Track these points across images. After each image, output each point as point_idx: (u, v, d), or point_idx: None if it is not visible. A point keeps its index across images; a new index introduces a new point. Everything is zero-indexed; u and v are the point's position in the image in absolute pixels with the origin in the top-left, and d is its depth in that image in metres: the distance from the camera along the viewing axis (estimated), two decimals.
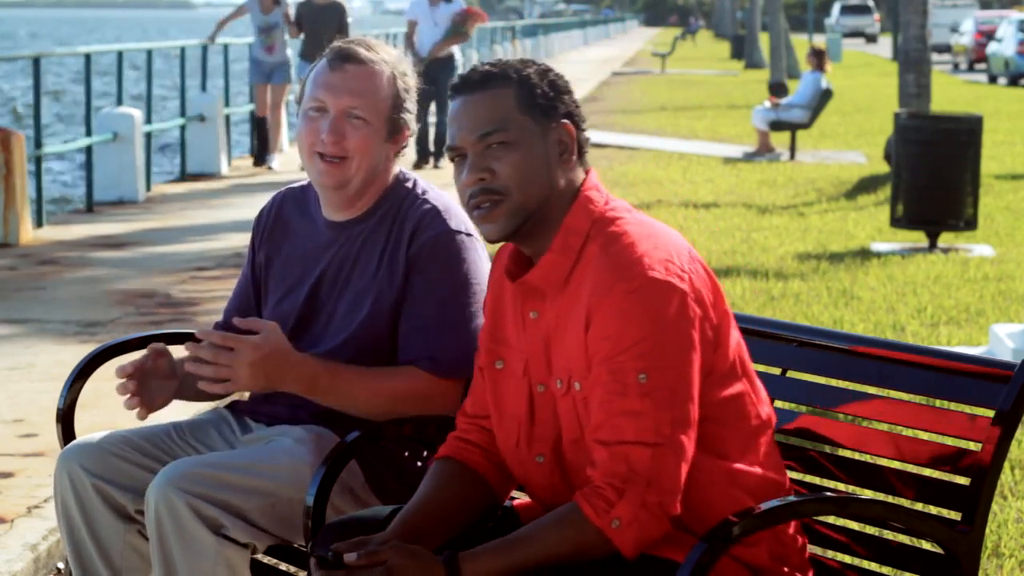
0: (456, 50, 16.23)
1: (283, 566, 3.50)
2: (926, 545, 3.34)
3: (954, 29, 53.78)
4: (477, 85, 2.90)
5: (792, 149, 18.98)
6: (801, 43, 48.00)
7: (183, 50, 17.82)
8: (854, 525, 3.39)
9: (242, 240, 10.99)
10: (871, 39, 76.37)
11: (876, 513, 2.98)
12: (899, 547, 3.10)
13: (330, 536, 2.99)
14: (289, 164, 16.99)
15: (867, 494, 3.21)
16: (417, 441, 3.52)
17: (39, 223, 12.54)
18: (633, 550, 2.75)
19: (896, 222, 11.88)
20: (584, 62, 49.27)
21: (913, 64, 15.02)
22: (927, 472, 3.16)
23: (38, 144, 12.95)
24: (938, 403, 3.25)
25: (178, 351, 3.63)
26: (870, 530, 3.41)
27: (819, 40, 49.98)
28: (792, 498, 2.87)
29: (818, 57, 18.92)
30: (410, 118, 3.56)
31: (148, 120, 15.69)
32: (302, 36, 16.12)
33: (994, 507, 5.36)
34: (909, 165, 11.71)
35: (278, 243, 3.67)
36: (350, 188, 3.52)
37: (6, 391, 6.96)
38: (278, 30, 16.31)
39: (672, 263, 2.81)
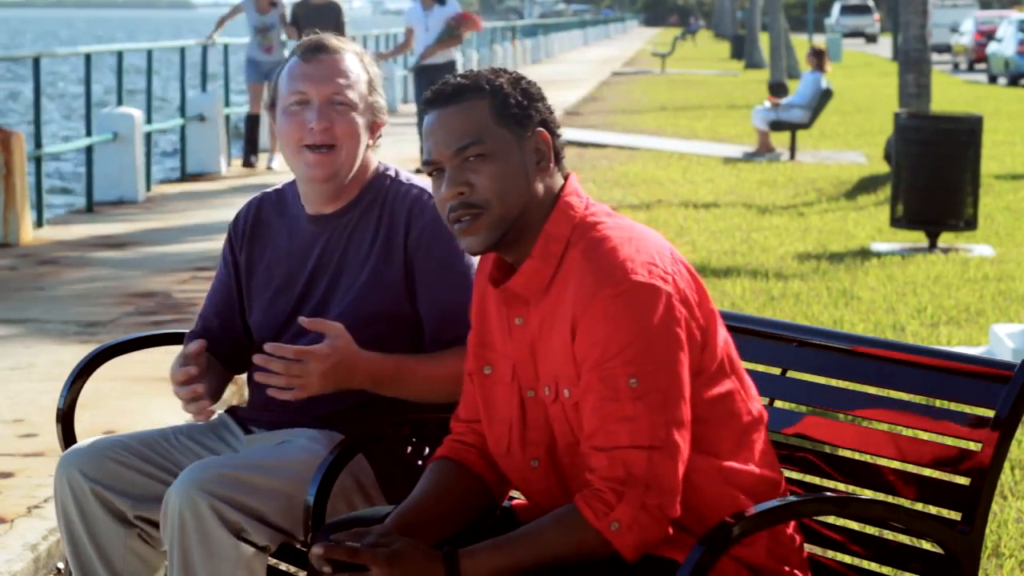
0: (457, 55, 16.16)
1: (283, 566, 3.49)
2: (926, 545, 3.34)
3: (954, 29, 53.78)
4: (451, 98, 2.89)
5: (792, 149, 18.99)
6: (801, 43, 48.01)
7: (183, 50, 17.82)
8: (854, 525, 3.39)
9: None
10: (871, 39, 76.36)
11: (876, 513, 2.98)
12: (899, 547, 3.10)
13: (330, 534, 2.99)
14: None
15: (867, 494, 3.21)
16: (418, 440, 3.52)
17: (39, 223, 12.55)
18: (633, 553, 2.75)
19: (896, 222, 11.88)
20: (584, 62, 49.28)
21: (913, 64, 15.02)
22: (927, 472, 3.16)
23: (38, 144, 12.95)
24: (938, 403, 3.25)
25: (175, 351, 3.64)
26: (870, 530, 3.41)
27: (819, 40, 50.00)
28: (792, 498, 2.87)
29: (818, 57, 18.93)
30: (384, 105, 3.59)
31: (148, 120, 15.69)
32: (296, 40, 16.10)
33: (994, 507, 5.36)
34: (909, 165, 11.71)
35: (260, 247, 3.67)
36: (339, 178, 3.52)
37: (6, 391, 6.96)
38: (275, 31, 16.26)
39: (655, 265, 2.81)
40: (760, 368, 3.30)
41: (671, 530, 2.78)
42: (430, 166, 2.91)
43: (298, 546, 3.40)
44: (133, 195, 14.39)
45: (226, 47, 18.65)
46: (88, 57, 14.63)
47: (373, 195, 3.57)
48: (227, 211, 13.24)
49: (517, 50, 43.20)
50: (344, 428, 3.46)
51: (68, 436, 3.78)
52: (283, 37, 16.39)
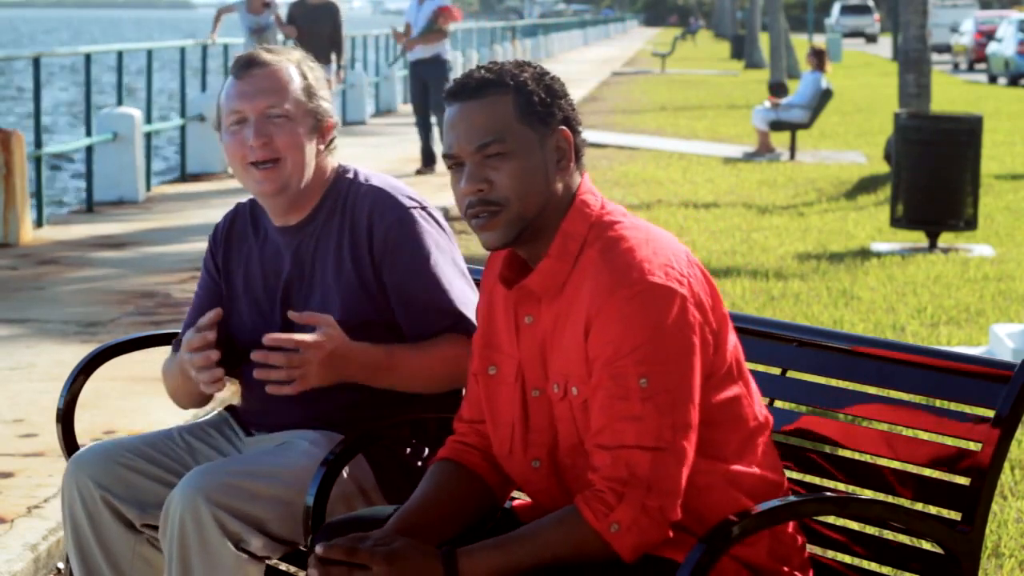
0: (444, 51, 16.13)
1: (283, 566, 3.49)
2: (926, 545, 3.34)
3: (954, 29, 53.79)
4: (474, 92, 2.87)
5: (792, 149, 18.99)
6: (801, 43, 48.01)
7: (183, 50, 17.82)
8: (854, 525, 3.39)
9: None
10: (871, 39, 76.36)
11: (876, 513, 2.98)
12: (899, 547, 3.10)
13: (328, 535, 2.99)
14: None
15: (867, 494, 3.21)
16: (417, 442, 3.52)
17: (39, 223, 12.55)
18: (632, 554, 2.75)
19: (896, 222, 11.88)
20: (584, 62, 49.28)
21: (913, 64, 15.02)
22: (927, 472, 3.16)
23: (38, 144, 12.95)
24: (938, 403, 3.25)
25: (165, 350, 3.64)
26: (870, 530, 3.41)
27: (819, 40, 49.98)
28: (792, 498, 2.87)
29: (818, 57, 18.92)
30: (329, 107, 3.57)
31: (148, 120, 15.69)
32: (294, 40, 16.03)
33: (994, 507, 5.36)
34: (909, 165, 11.71)
35: (235, 260, 3.67)
36: (291, 190, 3.52)
37: (6, 391, 6.96)
38: (271, 31, 16.16)
39: (672, 268, 2.81)
40: (760, 368, 3.30)
41: (671, 533, 2.78)
42: (450, 159, 2.90)
43: (301, 547, 3.40)
44: (133, 195, 14.39)
45: (226, 47, 18.65)
46: (88, 57, 14.63)
47: (333, 200, 3.57)
48: (227, 211, 13.21)
49: (517, 50, 43.16)
50: (344, 429, 3.46)
51: (68, 436, 3.78)
52: (280, 37, 16.32)
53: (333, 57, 15.96)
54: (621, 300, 2.77)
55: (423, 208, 3.55)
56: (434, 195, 13.16)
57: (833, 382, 3.33)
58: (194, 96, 17.32)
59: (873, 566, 3.16)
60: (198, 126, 16.82)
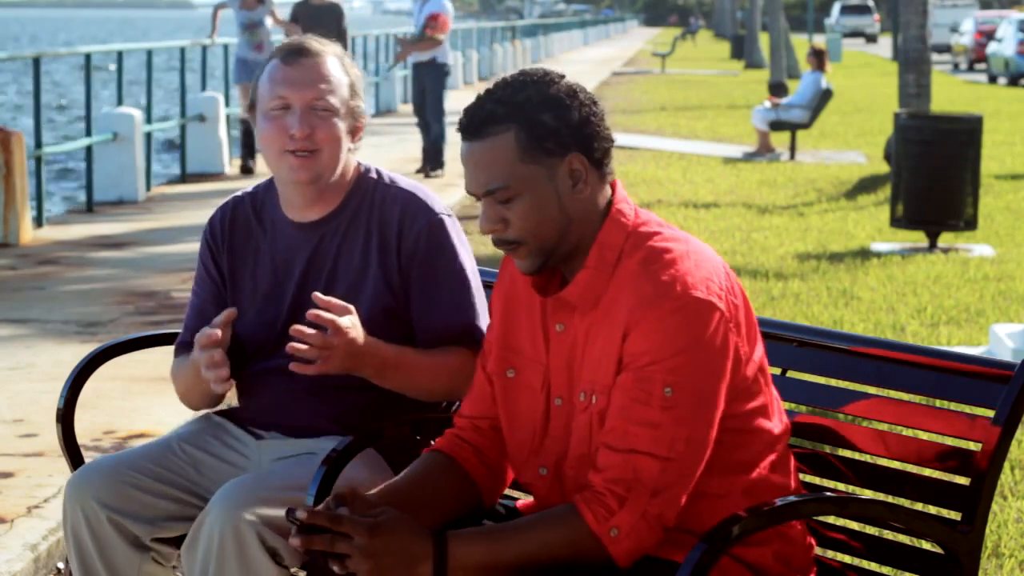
0: (442, 53, 16.07)
1: (301, 574, 3.48)
2: (926, 545, 3.34)
3: (954, 29, 53.78)
4: (477, 132, 2.83)
5: (792, 149, 18.99)
6: (801, 43, 48.01)
7: (183, 50, 17.82)
8: (854, 525, 3.39)
9: None
10: (871, 39, 76.36)
11: (876, 513, 2.98)
12: (899, 547, 3.10)
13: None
14: None
15: (867, 494, 3.21)
16: (418, 440, 3.52)
17: (39, 223, 12.55)
18: (627, 560, 2.75)
19: (896, 222, 11.88)
20: (584, 62, 49.28)
21: (913, 64, 15.02)
22: (927, 472, 3.15)
23: (38, 144, 12.95)
24: (938, 403, 3.25)
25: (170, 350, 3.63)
26: (870, 530, 3.41)
27: (819, 40, 49.97)
28: (792, 498, 2.87)
29: (818, 57, 18.92)
30: (364, 108, 3.57)
31: (148, 120, 15.69)
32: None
33: (994, 507, 5.36)
34: (909, 165, 11.71)
35: (241, 251, 3.63)
36: (322, 182, 3.51)
37: (6, 391, 6.96)
38: (263, 27, 16.12)
39: (712, 281, 2.80)
40: (769, 371, 3.30)
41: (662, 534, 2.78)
42: (470, 194, 2.90)
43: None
44: (133, 195, 14.39)
45: (226, 47, 18.65)
46: (88, 57, 14.63)
47: (359, 199, 3.56)
48: (220, 205, 13.21)
49: (517, 50, 43.17)
50: (363, 428, 3.44)
51: (68, 436, 3.77)
52: (275, 37, 16.25)
53: None
54: (663, 312, 2.75)
55: (450, 215, 3.55)
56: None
57: (833, 382, 3.33)
58: (194, 96, 17.31)
59: (873, 566, 3.16)
60: (198, 126, 16.82)
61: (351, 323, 3.29)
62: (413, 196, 3.54)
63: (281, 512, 3.20)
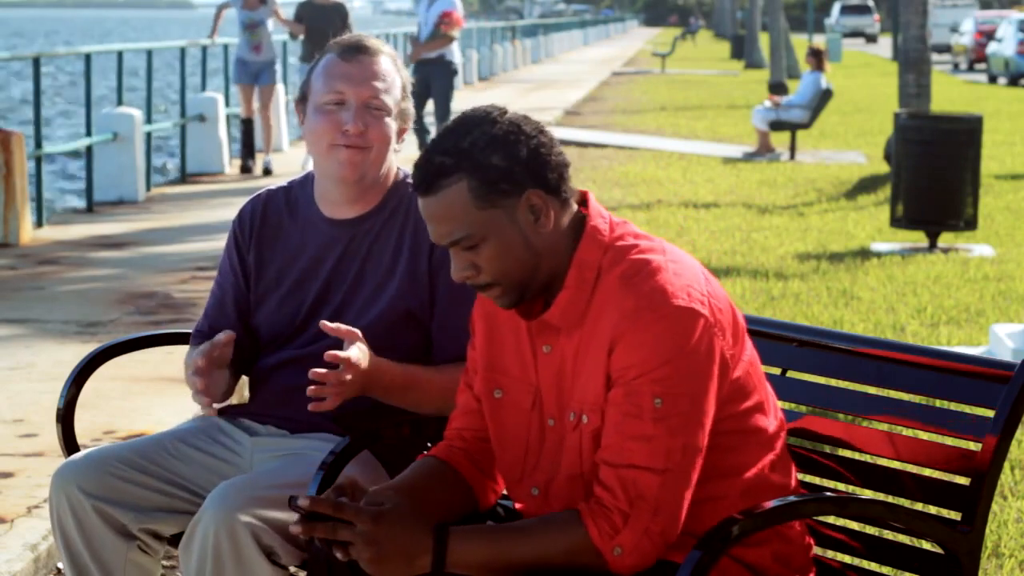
0: (451, 51, 16.02)
1: (301, 574, 3.49)
2: (926, 545, 3.34)
3: (954, 29, 53.78)
4: (430, 187, 2.80)
5: (792, 149, 18.99)
6: (801, 43, 48.00)
7: (183, 50, 17.82)
8: (854, 525, 3.39)
9: None
10: (871, 39, 76.37)
11: (876, 513, 2.98)
12: (899, 547, 3.10)
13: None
14: (288, 165, 16.96)
15: (867, 494, 3.21)
16: (418, 440, 3.52)
17: (39, 223, 12.55)
18: (628, 574, 2.76)
19: (896, 222, 11.88)
20: (584, 62, 49.28)
21: (913, 64, 15.02)
22: (927, 472, 3.16)
23: (38, 144, 12.95)
24: (938, 403, 3.25)
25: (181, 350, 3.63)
26: (870, 530, 3.41)
27: (819, 40, 49.97)
28: (792, 498, 2.86)
29: (817, 57, 18.94)
30: (412, 109, 3.59)
31: (148, 120, 15.69)
32: (301, 38, 15.98)
33: (994, 507, 5.36)
34: (909, 165, 11.71)
35: (269, 247, 3.64)
36: (366, 180, 3.52)
37: (6, 391, 6.96)
38: (263, 28, 16.07)
39: (693, 288, 2.80)
40: (763, 370, 3.30)
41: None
42: (437, 245, 2.90)
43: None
44: (133, 195, 14.39)
45: (226, 47, 18.64)
46: (88, 57, 14.63)
47: (396, 201, 3.57)
48: (227, 211, 13.24)
49: (517, 50, 43.19)
50: (362, 427, 3.44)
51: (68, 436, 3.77)
52: (277, 37, 16.21)
53: None
54: (646, 324, 2.75)
55: None
56: None
57: (833, 382, 3.32)
58: (194, 96, 17.30)
59: (873, 566, 3.16)
60: (198, 126, 16.81)
61: (360, 352, 3.30)
62: None
63: (276, 512, 3.22)
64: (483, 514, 3.09)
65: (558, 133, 21.35)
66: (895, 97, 17.48)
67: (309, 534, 2.72)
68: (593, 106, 27.95)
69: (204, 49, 18.03)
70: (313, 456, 3.43)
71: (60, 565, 4.98)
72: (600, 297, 2.83)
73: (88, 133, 14.27)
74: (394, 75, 3.53)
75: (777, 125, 18.98)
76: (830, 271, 10.54)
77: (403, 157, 15.09)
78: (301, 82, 3.62)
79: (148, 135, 15.50)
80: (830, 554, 3.23)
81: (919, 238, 11.96)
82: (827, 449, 3.26)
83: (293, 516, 3.15)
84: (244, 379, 3.75)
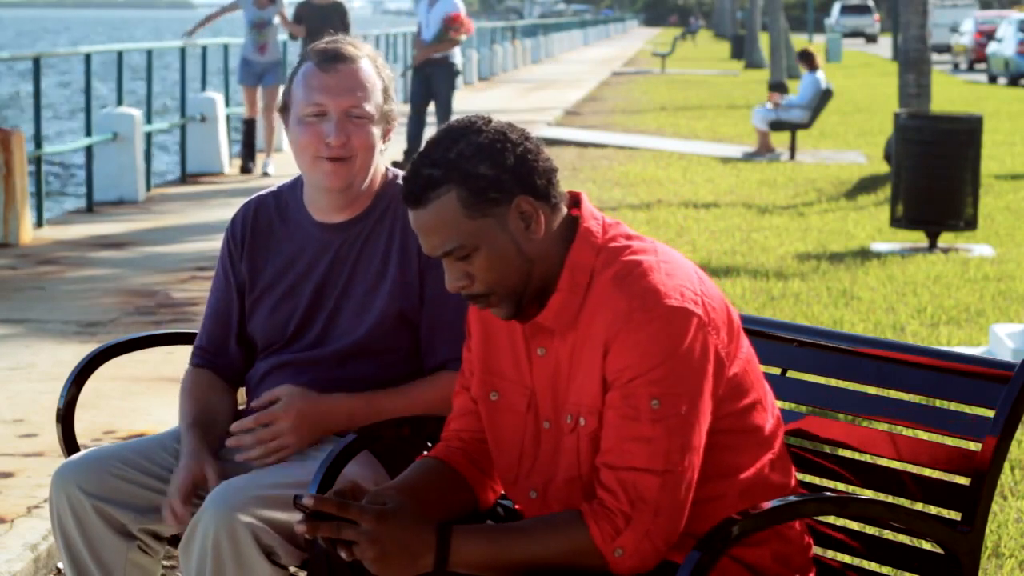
0: (453, 52, 15.99)
1: (301, 574, 3.49)
2: (926, 545, 3.34)
3: (954, 29, 53.79)
4: (420, 199, 2.80)
5: (792, 149, 18.99)
6: (801, 43, 48.00)
7: (183, 50, 17.82)
8: (854, 525, 3.39)
9: None
10: (871, 39, 76.38)
11: (876, 513, 2.98)
12: (899, 547, 3.10)
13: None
14: (289, 165, 16.96)
15: (867, 494, 3.21)
16: (418, 440, 3.52)
17: (39, 223, 12.55)
18: (628, 575, 2.76)
19: (896, 222, 11.88)
20: (584, 62, 49.29)
21: (913, 64, 15.02)
22: (927, 472, 3.16)
23: (38, 144, 12.95)
24: (938, 403, 3.25)
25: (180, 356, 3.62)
26: (870, 530, 3.41)
27: (819, 40, 49.98)
28: (792, 498, 2.87)
29: (807, 59, 18.94)
30: (395, 110, 3.58)
31: (148, 120, 15.69)
32: (301, 39, 15.97)
33: (994, 507, 5.36)
34: (909, 165, 11.71)
35: (262, 251, 3.64)
36: (354, 188, 3.52)
37: (6, 391, 6.96)
38: (271, 28, 16.07)
39: (686, 288, 2.80)
40: (760, 368, 3.30)
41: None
42: (430, 257, 2.89)
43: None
44: (133, 195, 14.39)
45: (226, 47, 18.64)
46: (88, 57, 14.63)
47: (386, 203, 3.56)
48: (227, 211, 13.24)
49: (517, 50, 43.18)
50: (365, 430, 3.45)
51: (68, 436, 3.77)
52: (280, 37, 16.21)
53: None
54: (640, 325, 2.75)
55: None
56: None
57: (833, 382, 3.33)
58: (194, 96, 17.30)
59: (873, 566, 3.16)
60: (198, 126, 16.81)
61: (287, 404, 3.39)
62: None
63: (276, 512, 3.22)
64: (483, 514, 3.10)
65: (558, 133, 21.37)
66: (895, 97, 17.48)
67: (313, 533, 2.73)
68: (593, 106, 27.96)
69: (204, 49, 18.02)
70: (313, 456, 3.44)
71: (60, 565, 4.98)
72: (593, 299, 2.83)
73: (88, 133, 14.27)
74: (374, 79, 3.50)
75: (777, 125, 18.98)
76: (830, 271, 10.54)
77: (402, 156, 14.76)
78: (283, 91, 3.61)
79: (148, 135, 15.50)
80: (830, 554, 3.24)
81: (919, 238, 11.96)
82: (827, 449, 3.26)
83: (293, 516, 3.16)
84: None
